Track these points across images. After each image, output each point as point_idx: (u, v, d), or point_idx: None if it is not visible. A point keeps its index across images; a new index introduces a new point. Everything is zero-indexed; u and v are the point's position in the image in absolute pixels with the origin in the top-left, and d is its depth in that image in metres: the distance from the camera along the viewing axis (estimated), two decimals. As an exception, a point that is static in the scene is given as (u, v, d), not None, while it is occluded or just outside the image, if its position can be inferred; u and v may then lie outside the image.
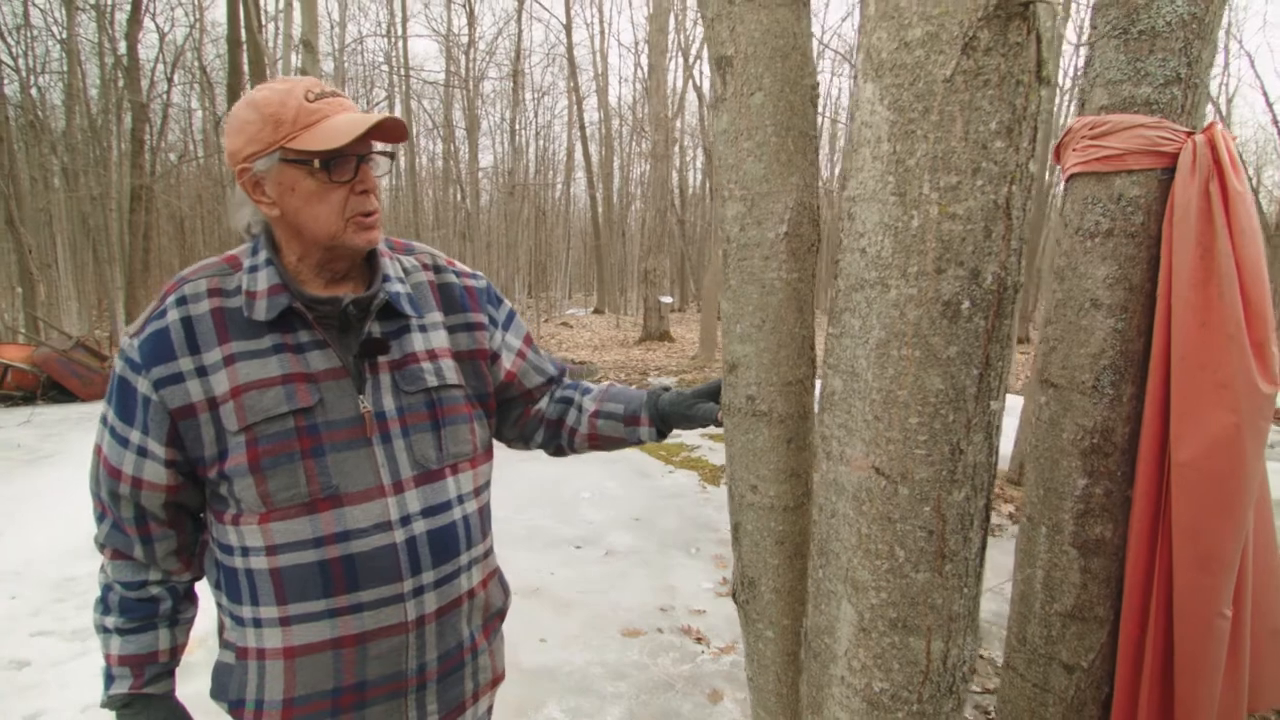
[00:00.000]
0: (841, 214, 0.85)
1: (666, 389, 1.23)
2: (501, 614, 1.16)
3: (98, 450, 0.97)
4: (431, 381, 1.02)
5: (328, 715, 0.94)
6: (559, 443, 1.26)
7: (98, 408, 7.94)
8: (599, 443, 1.23)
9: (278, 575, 0.92)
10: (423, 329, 1.05)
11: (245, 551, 0.93)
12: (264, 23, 12.73)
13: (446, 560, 1.00)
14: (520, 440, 1.26)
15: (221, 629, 1.02)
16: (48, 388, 8.37)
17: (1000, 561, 3.12)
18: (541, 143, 30.61)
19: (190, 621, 1.07)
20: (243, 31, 10.42)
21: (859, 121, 0.80)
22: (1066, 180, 1.29)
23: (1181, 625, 1.15)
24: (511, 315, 1.20)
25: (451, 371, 1.06)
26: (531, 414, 1.23)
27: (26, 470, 5.58)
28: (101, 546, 1.02)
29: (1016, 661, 1.43)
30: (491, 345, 1.13)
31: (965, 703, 0.92)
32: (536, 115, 29.07)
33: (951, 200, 0.73)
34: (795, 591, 1.12)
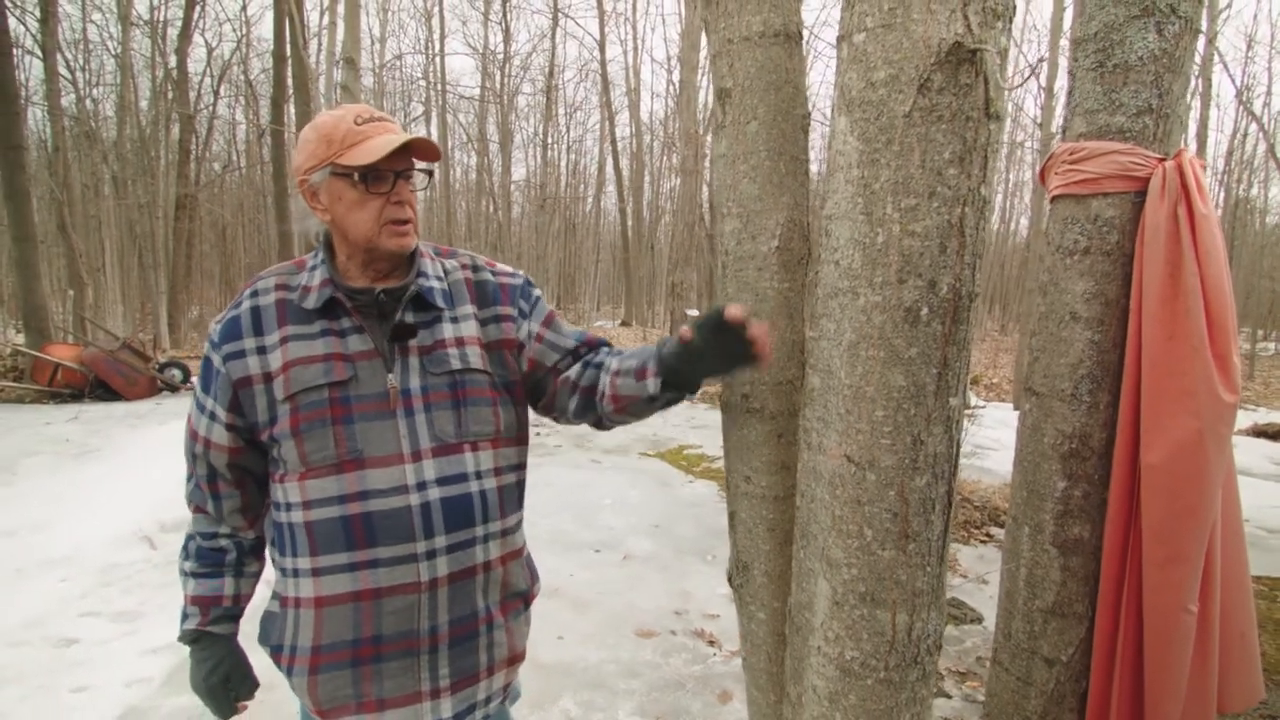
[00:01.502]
0: (820, 231, 0.96)
1: (686, 317, 1.20)
2: (524, 597, 1.23)
3: (188, 417, 1.14)
4: (456, 365, 1.14)
5: (348, 665, 1.05)
6: (595, 412, 1.23)
7: (141, 407, 8.28)
8: (621, 404, 1.17)
9: (311, 529, 1.05)
10: (454, 320, 1.17)
11: (289, 507, 1.07)
12: (308, 39, 13.22)
13: (460, 529, 1.10)
14: (558, 411, 1.28)
15: (275, 581, 1.15)
16: (95, 386, 8.73)
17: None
18: (573, 156, 31.01)
19: (255, 576, 1.21)
20: (287, 47, 10.84)
21: (834, 149, 0.91)
22: (1051, 202, 1.38)
23: (1151, 619, 1.22)
24: (537, 301, 1.27)
25: (477, 358, 1.17)
26: (560, 383, 1.25)
27: (75, 463, 5.86)
28: (188, 502, 1.19)
29: (1002, 655, 1.50)
30: (519, 335, 1.22)
31: (932, 676, 1.01)
32: (569, 130, 29.49)
33: (911, 220, 0.84)
34: (785, 576, 1.22)
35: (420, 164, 1.12)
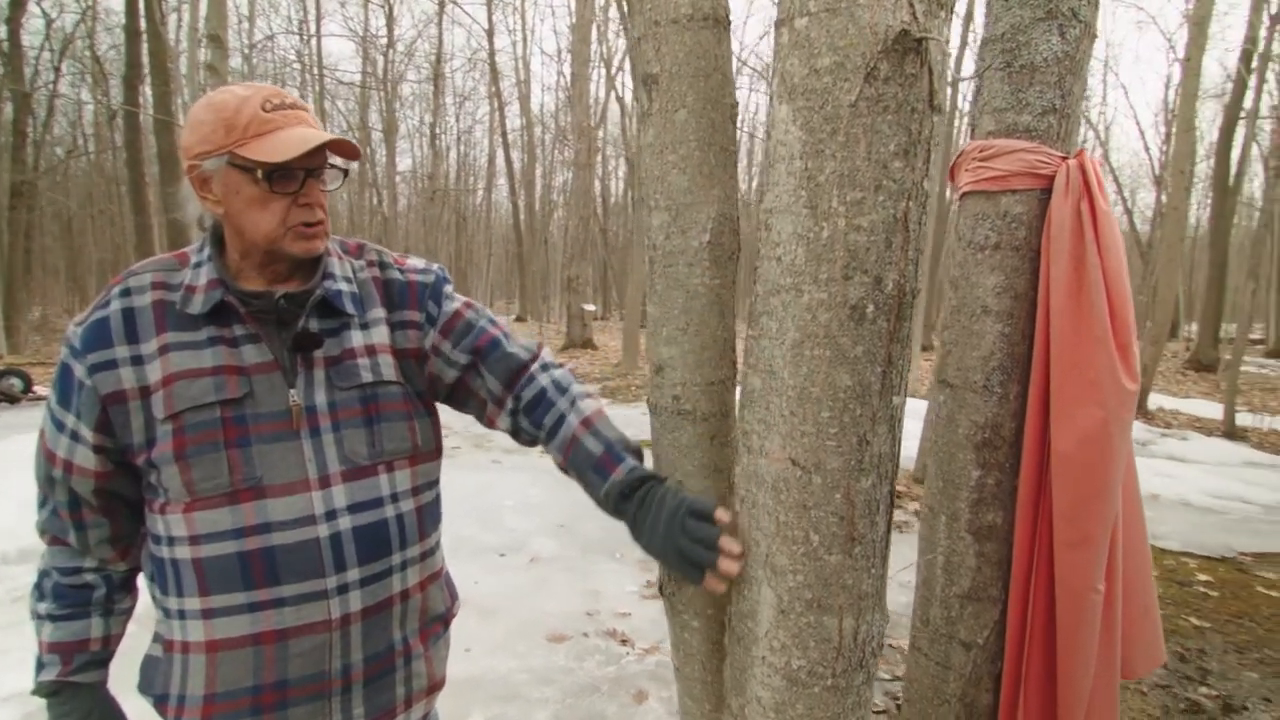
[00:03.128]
0: (760, 225, 0.91)
1: (628, 488, 1.03)
2: (444, 620, 1.15)
3: (40, 435, 0.98)
4: (366, 377, 1.03)
5: (248, 713, 0.93)
6: (526, 439, 1.18)
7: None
8: (568, 470, 1.12)
9: (200, 566, 0.92)
10: (364, 326, 1.06)
11: (171, 541, 0.93)
12: (165, 14, 12.04)
13: (375, 559, 1.00)
14: (473, 412, 1.18)
15: (156, 623, 1.01)
16: (-88, 400, 7.65)
17: (909, 555, 3.30)
18: (463, 148, 30.17)
19: (127, 613, 1.06)
20: (142, 21, 9.86)
21: (775, 140, 0.87)
22: (960, 198, 1.41)
23: (1061, 600, 1.27)
24: (457, 316, 1.13)
25: (390, 368, 1.06)
26: (496, 420, 1.17)
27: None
28: (41, 532, 1.02)
29: (920, 642, 1.53)
30: (425, 344, 1.11)
31: (874, 678, 1.00)
32: (458, 120, 28.64)
33: (857, 214, 0.81)
34: (719, 582, 1.18)
35: (336, 160, 1.00)
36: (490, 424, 1.18)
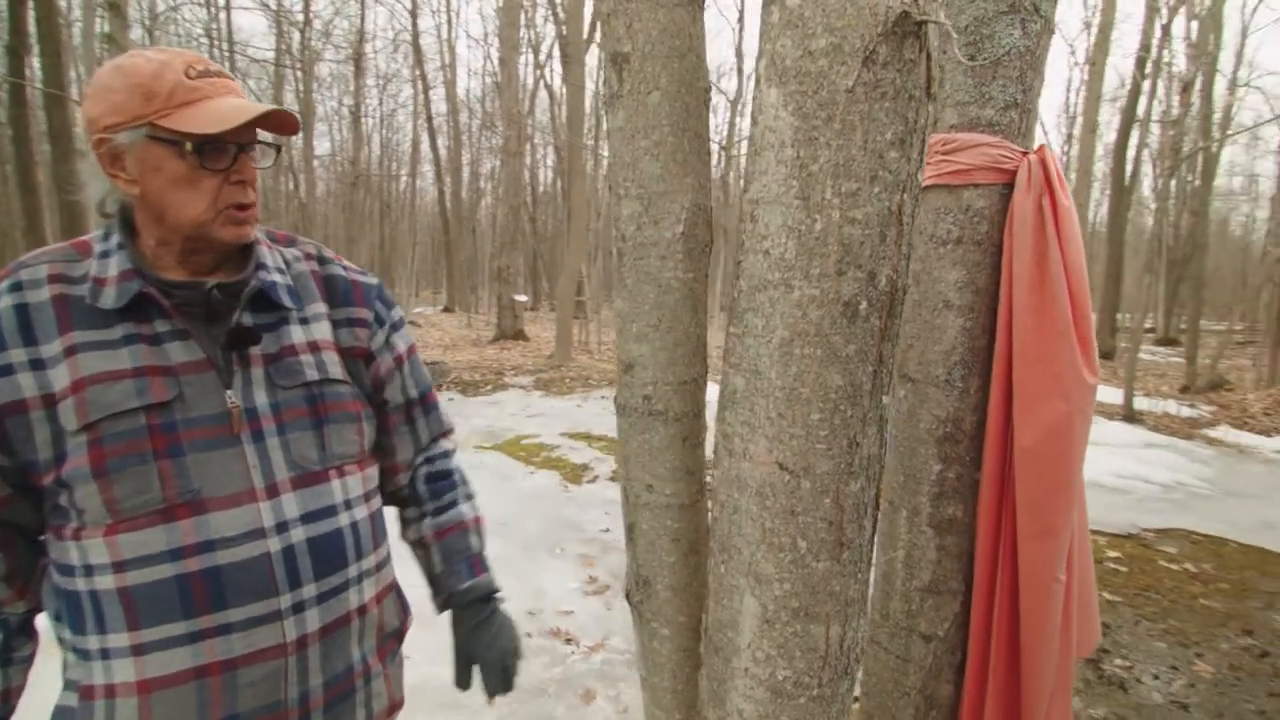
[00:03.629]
0: (743, 216, 0.86)
1: (473, 601, 1.14)
2: (399, 635, 1.09)
3: None
4: (312, 375, 0.95)
5: None
6: (400, 514, 1.18)
7: None
8: (413, 546, 1.17)
9: (128, 596, 0.80)
10: (304, 321, 0.97)
11: (89, 571, 0.81)
12: (52, -22, 11.04)
13: (332, 572, 0.92)
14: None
15: (65, 667, 0.88)
16: None
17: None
18: (386, 132, 29.13)
19: (27, 661, 0.92)
20: (25, -15, 9.02)
21: (762, 126, 0.82)
22: (922, 192, 1.41)
23: (1025, 591, 1.29)
24: (401, 322, 1.13)
25: (336, 366, 0.99)
26: (395, 476, 1.14)
27: None
28: None
29: (880, 636, 1.53)
30: (372, 345, 1.06)
31: (855, 682, 0.98)
32: (381, 103, 27.60)
33: (852, 206, 0.77)
34: (690, 588, 1.14)
35: (266, 136, 0.90)
36: (392, 472, 1.13)
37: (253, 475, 0.86)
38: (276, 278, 0.96)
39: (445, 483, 1.15)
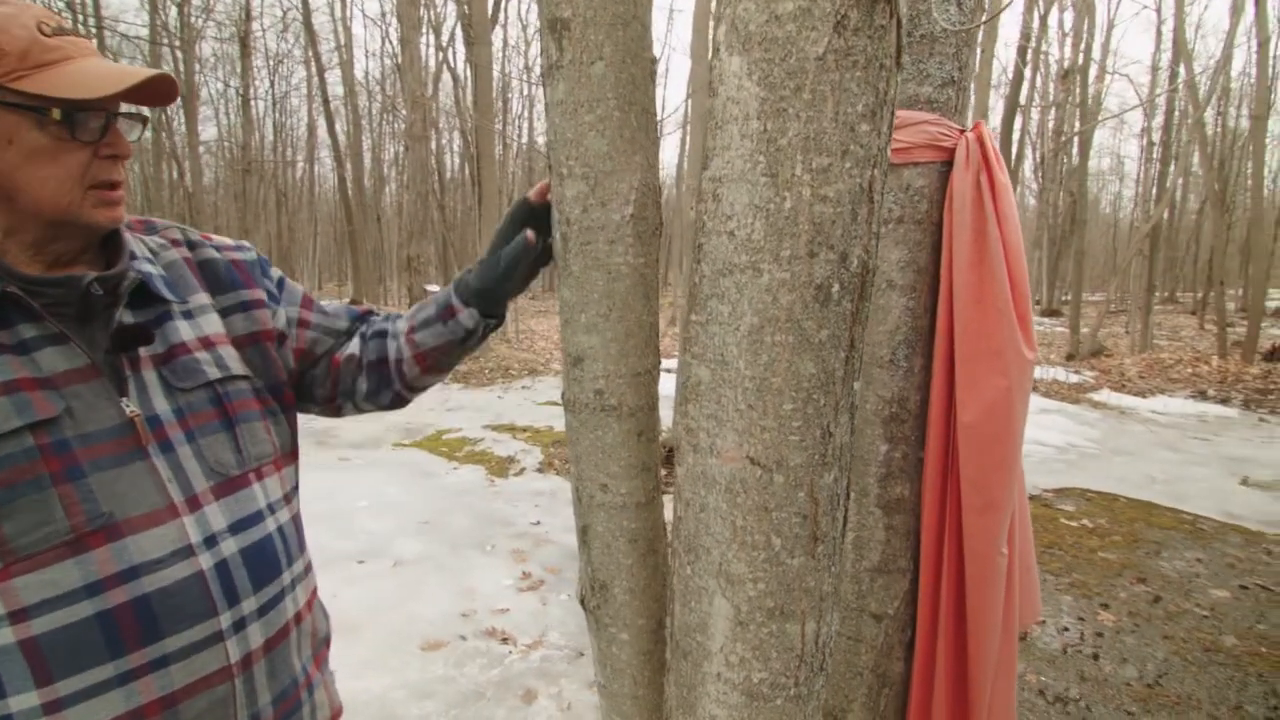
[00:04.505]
0: (703, 195, 0.81)
1: (472, 269, 1.08)
2: (328, 641, 1.04)
3: None
4: (213, 373, 0.87)
5: None
6: (392, 387, 1.10)
7: None
8: (431, 360, 1.07)
9: (34, 648, 0.69)
10: (188, 315, 0.88)
11: None
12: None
13: (269, 581, 0.86)
14: (343, 398, 1.09)
15: None
16: None
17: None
18: (278, 116, 27.48)
19: None
20: None
21: (724, 97, 0.76)
22: (860, 170, 1.39)
23: (970, 565, 1.31)
24: (283, 282, 1.06)
25: (235, 361, 0.91)
26: (342, 365, 1.07)
27: None
28: None
29: (840, 585, 1.53)
30: (276, 324, 0.98)
31: (826, 676, 0.95)
32: (273, 85, 25.99)
33: (824, 182, 0.72)
34: (649, 590, 1.09)
35: (130, 107, 0.79)
36: (334, 367, 1.07)
37: (169, 489, 0.78)
38: (149, 268, 0.87)
39: (389, 315, 1.14)
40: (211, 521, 0.81)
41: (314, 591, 1.01)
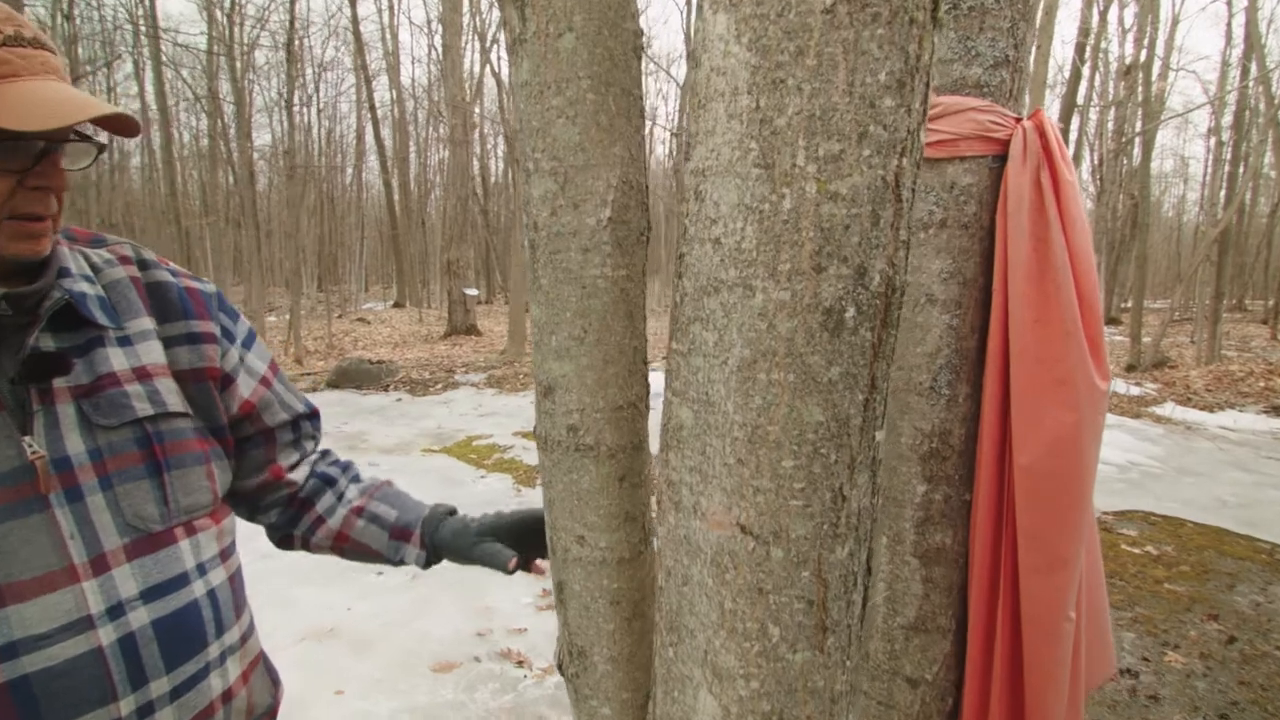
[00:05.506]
0: (686, 192, 0.64)
1: (452, 512, 1.06)
2: (271, 712, 0.92)
3: None
4: (144, 409, 0.75)
5: None
6: (295, 530, 1.00)
7: None
8: (350, 547, 1.01)
9: None
10: (124, 341, 0.77)
11: None
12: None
13: (188, 657, 0.74)
14: (247, 507, 0.98)
15: None
16: None
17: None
18: (328, 123, 28.11)
19: None
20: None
21: (707, 68, 0.59)
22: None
23: (1029, 630, 1.11)
24: (252, 335, 0.94)
25: (174, 395, 0.79)
26: (273, 474, 0.95)
27: None
28: None
29: (859, 679, 1.34)
30: (225, 365, 0.86)
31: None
32: (318, 91, 26.57)
33: (834, 175, 0.55)
34: (635, 659, 0.92)
35: (90, 129, 0.70)
36: (276, 476, 0.96)
37: (70, 548, 0.66)
38: (85, 287, 0.75)
39: (350, 465, 1.07)
40: (120, 587, 0.69)
41: (255, 660, 0.87)
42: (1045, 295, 1.05)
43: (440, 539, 1.02)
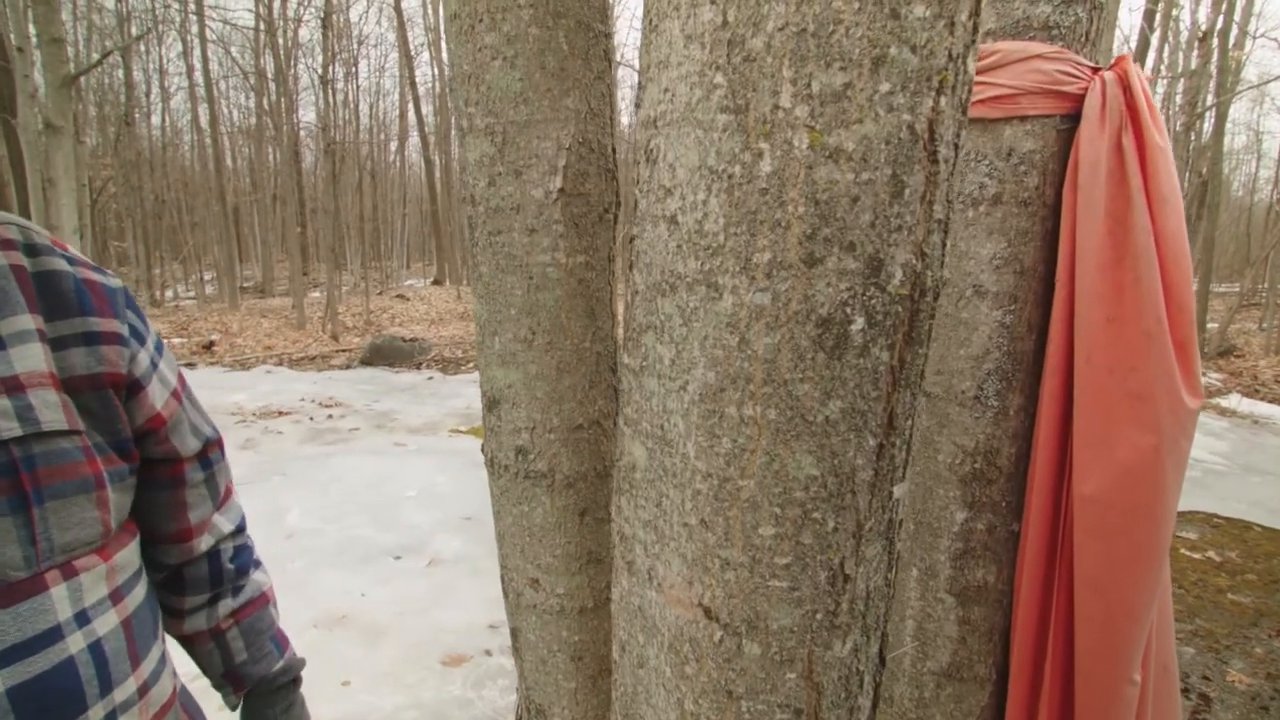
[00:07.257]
0: (638, 150, 0.47)
1: (294, 681, 0.92)
2: None
3: None
4: (12, 429, 0.63)
5: None
6: (182, 605, 0.87)
7: None
8: (187, 649, 0.89)
9: None
10: None
11: None
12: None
13: None
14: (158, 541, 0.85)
15: None
16: None
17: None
18: (372, 100, 28.28)
19: None
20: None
21: (659, -30, 0.42)
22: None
23: (1084, 690, 0.92)
24: (162, 341, 0.81)
25: (54, 410, 0.66)
26: (188, 540, 0.83)
27: None
28: None
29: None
30: (134, 369, 0.73)
31: None
32: (355, 69, 26.71)
33: (834, 121, 0.37)
34: (601, 724, 0.77)
35: None
36: (179, 540, 0.84)
37: None
38: None
39: (247, 552, 0.90)
40: None
41: (163, 709, 0.74)
42: (1121, 288, 0.84)
43: (246, 710, 0.91)
